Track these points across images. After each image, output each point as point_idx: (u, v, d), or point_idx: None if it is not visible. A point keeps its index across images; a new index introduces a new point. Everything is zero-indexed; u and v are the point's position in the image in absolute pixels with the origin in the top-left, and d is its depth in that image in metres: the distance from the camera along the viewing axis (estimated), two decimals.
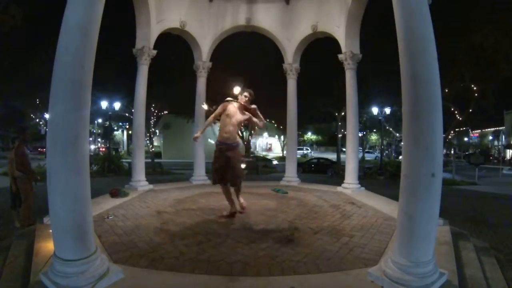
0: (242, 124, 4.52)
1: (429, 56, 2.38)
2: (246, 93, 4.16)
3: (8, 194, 5.12)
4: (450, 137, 18.28)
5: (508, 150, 35.16)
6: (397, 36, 2.50)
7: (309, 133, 48.45)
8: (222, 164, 4.09)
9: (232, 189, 4.30)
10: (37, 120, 27.76)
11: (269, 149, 47.34)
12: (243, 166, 4.51)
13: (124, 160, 18.79)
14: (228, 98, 4.24)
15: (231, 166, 4.08)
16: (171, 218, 4.17)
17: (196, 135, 4.57)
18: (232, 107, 4.14)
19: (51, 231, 2.39)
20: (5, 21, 9.37)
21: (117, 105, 18.20)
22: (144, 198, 5.44)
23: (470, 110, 15.44)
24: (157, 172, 16.89)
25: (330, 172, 18.93)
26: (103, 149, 27.97)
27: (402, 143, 3.01)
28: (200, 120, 7.52)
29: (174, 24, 6.73)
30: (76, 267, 2.20)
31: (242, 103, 4.14)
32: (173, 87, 15.75)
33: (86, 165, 2.38)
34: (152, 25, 6.21)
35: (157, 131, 26.28)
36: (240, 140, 4.19)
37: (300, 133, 40.55)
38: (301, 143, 44.65)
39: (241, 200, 4.41)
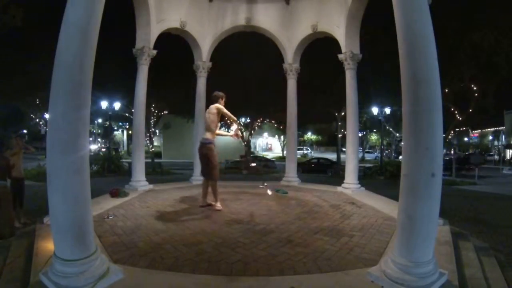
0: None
1: (429, 56, 2.38)
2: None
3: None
4: (450, 137, 18.26)
5: (508, 150, 35.15)
6: (397, 36, 2.49)
7: (309, 133, 48.45)
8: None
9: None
10: (37, 120, 27.77)
11: (269, 149, 47.40)
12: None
13: (124, 160, 18.80)
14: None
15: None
16: (171, 218, 4.17)
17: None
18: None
19: (51, 231, 2.39)
20: (5, 23, 9.35)
21: (117, 105, 18.21)
22: (144, 198, 5.44)
23: (470, 110, 15.44)
24: (157, 172, 16.90)
25: (330, 172, 18.94)
26: (104, 149, 27.98)
27: (402, 143, 3.01)
28: (200, 120, 7.52)
29: (174, 24, 6.73)
30: (76, 267, 2.20)
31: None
32: (173, 87, 15.74)
33: (86, 165, 2.38)
34: (152, 25, 6.21)
35: (157, 131, 26.26)
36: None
37: (300, 133, 40.58)
38: (301, 143, 44.66)
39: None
